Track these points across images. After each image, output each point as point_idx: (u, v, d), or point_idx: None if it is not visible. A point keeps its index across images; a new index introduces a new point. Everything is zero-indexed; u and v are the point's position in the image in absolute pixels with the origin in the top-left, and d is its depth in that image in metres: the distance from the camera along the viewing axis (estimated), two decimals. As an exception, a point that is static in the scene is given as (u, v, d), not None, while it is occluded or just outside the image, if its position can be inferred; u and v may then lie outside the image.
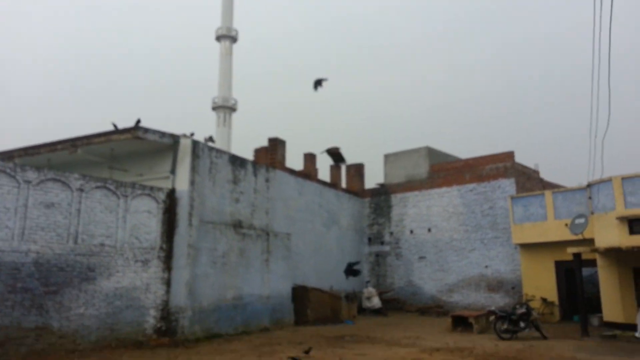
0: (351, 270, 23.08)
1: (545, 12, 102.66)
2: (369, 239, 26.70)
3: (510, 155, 23.36)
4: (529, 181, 24.00)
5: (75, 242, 12.32)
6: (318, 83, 17.10)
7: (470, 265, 23.11)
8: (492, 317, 15.18)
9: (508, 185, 22.72)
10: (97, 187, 13.14)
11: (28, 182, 11.72)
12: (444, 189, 24.71)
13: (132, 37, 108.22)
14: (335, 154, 16.47)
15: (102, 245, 12.93)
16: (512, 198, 20.94)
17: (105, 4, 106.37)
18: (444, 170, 25.12)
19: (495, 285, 22.24)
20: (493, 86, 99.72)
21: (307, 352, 11.43)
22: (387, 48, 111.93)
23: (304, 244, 21.30)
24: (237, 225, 17.04)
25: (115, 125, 15.35)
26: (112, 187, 13.50)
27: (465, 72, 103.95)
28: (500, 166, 23.25)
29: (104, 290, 12.68)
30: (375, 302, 22.83)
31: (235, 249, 16.54)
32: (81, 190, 12.73)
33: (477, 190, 23.65)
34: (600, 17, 6.84)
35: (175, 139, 15.66)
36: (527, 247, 20.43)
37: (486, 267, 22.63)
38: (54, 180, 12.25)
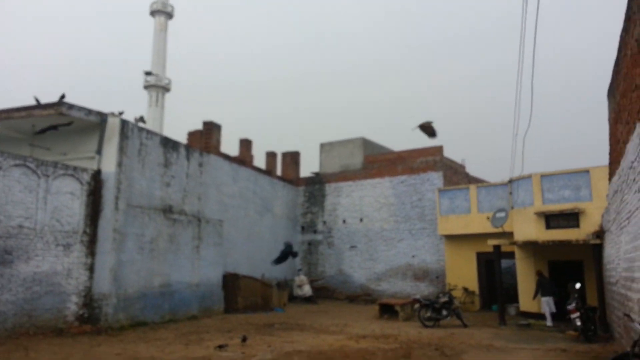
0: (290, 253, 22.78)
1: (468, 8, 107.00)
2: (302, 228, 26.85)
3: (439, 149, 24.23)
4: (456, 175, 25.05)
5: (-11, 223, 11.46)
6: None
7: (399, 254, 23.86)
8: (416, 305, 15.76)
9: (436, 178, 23.59)
10: (16, 165, 12.26)
11: None
12: (376, 180, 25.25)
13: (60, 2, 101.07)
14: (428, 128, 15.95)
15: (21, 227, 12.12)
16: (440, 191, 21.78)
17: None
18: (378, 161, 25.65)
19: (421, 275, 23.13)
20: (426, 82, 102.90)
21: (244, 340, 11.33)
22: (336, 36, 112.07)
23: (237, 231, 21.07)
24: (167, 211, 16.55)
25: (37, 100, 14.38)
26: (32, 166, 12.65)
27: (394, 67, 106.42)
28: (430, 159, 24.07)
29: (21, 274, 11.91)
30: (307, 290, 23.07)
31: (165, 234, 16.07)
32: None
33: (407, 182, 24.37)
34: (525, 16, 7.19)
35: (102, 118, 14.90)
36: (451, 238, 21.37)
37: (413, 256, 23.46)
38: (-35, 156, 11.30)
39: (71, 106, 14.02)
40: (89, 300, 13.40)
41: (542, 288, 15.43)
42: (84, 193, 13.91)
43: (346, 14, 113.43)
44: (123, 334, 12.60)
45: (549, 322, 15.09)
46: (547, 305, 15.23)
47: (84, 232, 13.69)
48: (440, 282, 22.34)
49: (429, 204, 23.45)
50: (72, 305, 13.02)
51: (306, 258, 26.30)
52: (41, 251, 12.48)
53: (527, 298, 16.97)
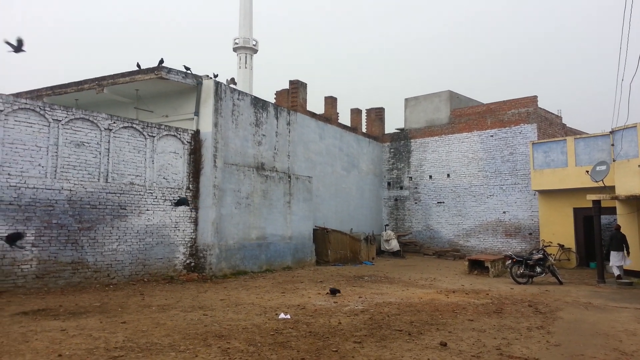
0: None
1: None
2: (388, 184, 26.91)
3: (533, 99, 22.91)
4: (551, 127, 23.65)
5: (106, 180, 12.69)
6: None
7: (488, 210, 23.29)
8: (508, 262, 15.44)
9: (530, 131, 22.44)
10: (125, 127, 13.35)
11: (57, 120, 11.93)
12: (464, 134, 24.51)
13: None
14: None
15: (132, 184, 13.31)
16: (533, 144, 20.74)
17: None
18: (465, 115, 24.80)
19: (512, 231, 22.49)
20: (517, 30, 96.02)
21: (337, 291, 11.79)
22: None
23: (325, 187, 21.60)
24: (260, 168, 17.29)
25: (139, 65, 15.35)
26: (139, 128, 13.71)
27: (488, 17, 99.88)
28: (522, 111, 22.88)
29: (135, 227, 13.18)
30: (394, 244, 23.34)
31: (259, 190, 16.87)
32: (109, 129, 12.95)
33: (498, 135, 23.42)
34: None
35: (198, 80, 15.65)
36: (546, 193, 20.45)
37: (504, 212, 22.80)
38: (83, 119, 12.46)
39: (169, 70, 14.86)
40: (195, 250, 14.59)
41: (614, 242, 14.75)
42: (186, 152, 14.89)
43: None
44: (226, 282, 13.64)
45: (616, 273, 14.83)
46: (615, 258, 14.83)
47: (188, 188, 14.76)
48: (533, 238, 21.62)
49: (522, 158, 22.46)
50: (180, 255, 14.25)
51: (393, 214, 26.45)
52: (151, 206, 13.67)
53: (630, 256, 16.02)
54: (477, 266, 17.21)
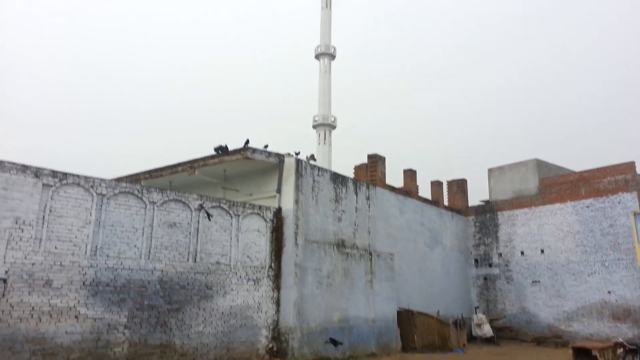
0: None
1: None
2: (476, 261, 25.49)
3: (630, 166, 21.27)
4: (655, 195, 21.66)
5: (195, 260, 13.01)
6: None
7: (591, 290, 21.21)
8: (620, 350, 13.80)
9: (630, 200, 20.68)
10: (213, 207, 13.81)
11: (153, 203, 12.58)
12: (556, 206, 23.03)
13: (229, 54, 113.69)
14: None
15: (218, 263, 13.54)
16: (635, 214, 19.03)
17: (203, 30, 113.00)
18: (556, 184, 23.41)
19: (621, 314, 20.19)
20: (605, 91, 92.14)
21: None
22: (484, 53, 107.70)
23: (407, 265, 20.82)
24: (341, 245, 17.06)
25: (226, 147, 16.10)
26: (226, 207, 14.14)
27: (571, 79, 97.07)
28: (619, 179, 21.24)
29: (220, 308, 13.23)
30: (486, 330, 21.64)
31: (340, 268, 16.54)
32: (199, 210, 13.43)
33: (594, 206, 21.77)
34: None
35: (280, 159, 16.10)
36: (658, 272, 18.36)
37: (609, 292, 20.65)
38: (176, 200, 13.06)
39: (254, 150, 15.45)
40: (277, 333, 14.31)
41: None
42: (268, 230, 15.07)
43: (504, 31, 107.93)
44: (308, 367, 13.09)
45: None
46: None
47: (270, 267, 14.78)
48: (647, 323, 19.22)
49: (623, 230, 20.58)
50: (263, 339, 14.02)
51: (483, 294, 24.78)
52: (235, 285, 13.76)
53: None
54: (584, 355, 15.36)
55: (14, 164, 10.62)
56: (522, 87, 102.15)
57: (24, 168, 10.74)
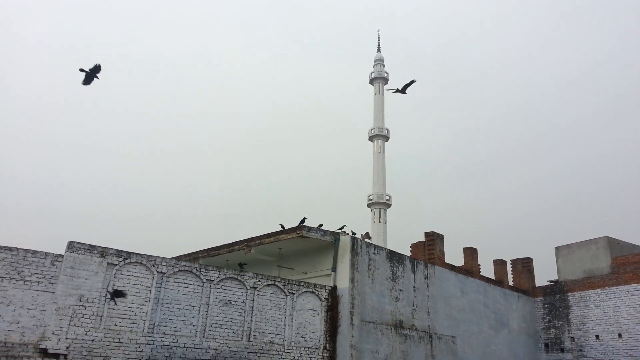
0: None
1: None
2: (546, 345, 23.62)
3: None
4: None
5: (249, 339, 12.95)
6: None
7: (681, 381, 18.96)
8: None
9: None
10: (268, 285, 13.91)
11: (210, 281, 12.86)
12: (633, 286, 21.34)
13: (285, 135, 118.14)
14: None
15: (272, 342, 13.38)
16: None
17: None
18: (631, 263, 21.84)
19: None
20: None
21: None
22: (547, 134, 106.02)
23: (471, 349, 19.58)
24: (398, 326, 16.45)
25: (282, 226, 16.45)
26: (280, 285, 14.18)
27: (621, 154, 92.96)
28: (701, 256, 19.56)
29: (273, 391, 12.90)
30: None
31: (398, 351, 15.84)
32: (254, 288, 13.56)
33: (676, 286, 19.99)
34: None
35: (335, 237, 16.15)
36: None
37: None
38: (232, 278, 13.30)
39: (310, 229, 15.65)
40: (332, 419, 13.65)
41: None
42: (323, 309, 14.86)
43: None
44: None
45: None
46: None
47: (325, 347, 14.40)
48: None
49: None
50: (317, 423, 13.39)
51: (556, 382, 22.73)
52: (289, 367, 13.43)
53: None
54: None
55: (82, 244, 11.34)
56: (586, 164, 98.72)
57: (91, 248, 11.42)
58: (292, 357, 13.59)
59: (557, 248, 25.11)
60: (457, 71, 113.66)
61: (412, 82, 14.99)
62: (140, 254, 12.02)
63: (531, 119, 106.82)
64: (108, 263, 11.48)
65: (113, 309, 11.22)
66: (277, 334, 13.59)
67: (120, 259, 11.68)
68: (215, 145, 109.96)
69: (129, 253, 11.86)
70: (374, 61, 61.52)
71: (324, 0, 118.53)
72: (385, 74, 60.40)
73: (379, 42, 63.01)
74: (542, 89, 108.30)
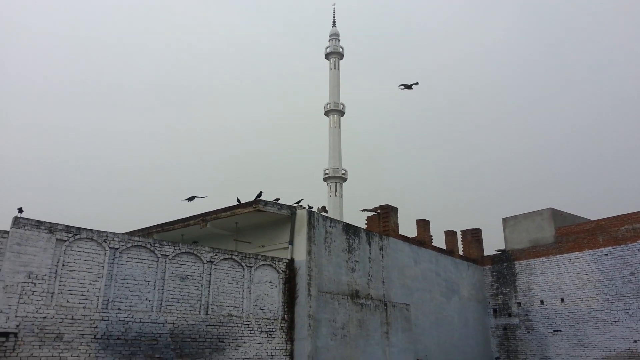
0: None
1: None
2: (494, 310, 24.81)
3: (647, 212, 20.99)
4: (675, 242, 21.22)
5: (206, 312, 12.91)
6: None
7: (615, 339, 20.40)
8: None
9: (650, 247, 20.25)
10: (225, 259, 13.84)
11: (165, 256, 12.67)
12: (574, 254, 22.61)
13: (239, 111, 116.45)
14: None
15: (230, 315, 13.40)
16: (659, 262, 18.57)
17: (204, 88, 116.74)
18: (573, 233, 23.09)
19: (650, 364, 19.30)
20: (623, 139, 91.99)
21: None
22: (498, 111, 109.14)
23: (424, 316, 20.32)
24: (355, 296, 16.81)
25: (238, 200, 16.33)
26: (237, 259, 14.15)
27: (584, 131, 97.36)
28: (637, 226, 20.90)
29: (234, 361, 12.97)
30: (507, 381, 20.82)
31: (354, 320, 16.23)
32: (211, 262, 13.47)
33: (613, 254, 21.34)
34: None
35: (292, 211, 16.20)
36: (685, 319, 17.69)
37: (635, 342, 19.83)
38: (188, 253, 13.13)
39: (266, 203, 15.61)
40: (291, 387, 13.91)
41: None
42: (281, 281, 14.97)
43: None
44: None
45: None
46: None
47: (283, 318, 14.56)
48: (678, 374, 18.32)
49: (646, 278, 20.02)
50: (282, 393, 13.62)
51: (503, 344, 23.95)
52: (248, 338, 13.53)
53: None
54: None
55: (28, 219, 10.87)
56: (534, 139, 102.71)
57: (39, 224, 10.97)
58: (251, 328, 13.68)
59: (504, 219, 26.17)
60: (412, 50, 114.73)
61: (416, 83, 16.13)
62: (91, 230, 11.66)
63: (483, 97, 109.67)
64: (57, 239, 11.08)
65: (64, 285, 10.89)
66: (235, 307, 13.61)
67: (70, 235, 11.29)
68: (170, 120, 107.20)
69: (78, 229, 11.48)
70: (329, 36, 61.17)
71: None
72: (341, 49, 60.25)
73: (334, 17, 62.60)
74: (494, 71, 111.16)
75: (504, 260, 25.02)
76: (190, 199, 18.17)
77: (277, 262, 15.09)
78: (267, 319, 14.17)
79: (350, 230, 17.82)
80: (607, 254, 21.51)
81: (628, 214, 21.56)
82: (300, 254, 15.63)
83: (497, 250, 25.91)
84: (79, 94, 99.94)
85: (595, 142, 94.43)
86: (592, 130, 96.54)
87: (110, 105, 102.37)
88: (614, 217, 21.94)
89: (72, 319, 10.76)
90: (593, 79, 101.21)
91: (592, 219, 23.76)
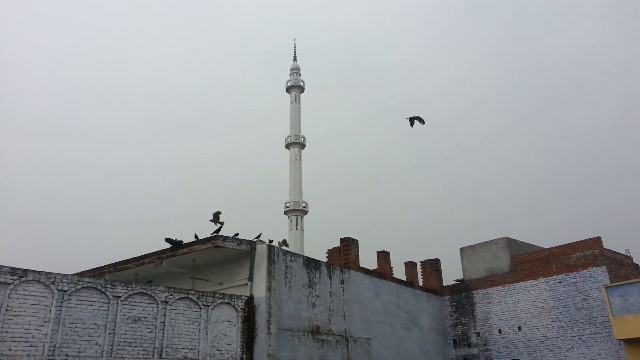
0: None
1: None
2: (454, 341, 24.96)
3: (597, 241, 21.83)
4: (622, 268, 22.10)
5: (160, 356, 12.45)
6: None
7: (571, 366, 20.83)
8: None
9: (600, 274, 20.99)
10: (181, 299, 13.48)
11: (117, 297, 12.24)
12: (529, 282, 23.17)
13: (199, 147, 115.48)
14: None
15: (186, 358, 12.96)
16: (607, 288, 19.28)
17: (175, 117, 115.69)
18: (527, 261, 23.72)
19: (604, 390, 19.74)
20: (573, 170, 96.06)
21: None
22: (453, 145, 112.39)
23: (385, 349, 20.21)
24: (315, 332, 16.61)
25: (196, 236, 16.02)
26: (194, 298, 13.80)
27: (541, 159, 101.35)
28: (588, 254, 21.69)
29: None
30: (469, 412, 20.84)
31: (315, 357, 15.99)
32: (166, 302, 13.08)
33: (566, 281, 21.99)
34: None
35: (251, 246, 16.03)
36: (633, 342, 18.30)
37: (590, 368, 20.30)
38: (141, 293, 12.74)
39: (225, 238, 15.39)
40: None
41: None
42: (239, 320, 14.65)
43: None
44: None
45: None
46: None
47: (241, 359, 14.18)
48: (631, 398, 18.78)
49: (597, 303, 20.67)
50: None
51: (464, 376, 24.05)
52: (204, 381, 13.07)
53: None
54: None
55: (-31, 262, 10.34)
56: (491, 177, 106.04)
57: (-19, 265, 10.45)
58: (207, 371, 13.27)
59: (461, 249, 26.66)
60: (369, 79, 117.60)
61: (422, 121, 16.72)
62: (38, 271, 11.17)
63: (442, 132, 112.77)
64: (1, 282, 10.55)
65: (7, 332, 10.31)
66: (191, 349, 13.18)
67: (15, 278, 10.77)
68: (127, 150, 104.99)
69: (25, 270, 10.98)
70: (290, 70, 62.13)
71: (243, 8, 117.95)
72: (302, 83, 61.15)
73: (294, 51, 63.75)
74: (450, 106, 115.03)
75: (463, 290, 25.36)
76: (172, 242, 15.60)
77: (235, 300, 14.78)
78: None
79: (311, 264, 17.74)
80: (560, 281, 22.14)
81: (579, 241, 22.37)
82: (259, 291, 15.38)
83: (456, 280, 26.27)
84: (29, 124, 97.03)
85: (548, 175, 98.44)
86: (546, 163, 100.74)
87: (63, 137, 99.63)
88: (566, 244, 22.70)
89: (15, 368, 10.16)
90: (550, 112, 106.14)
91: (546, 247, 24.54)
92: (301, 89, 60.88)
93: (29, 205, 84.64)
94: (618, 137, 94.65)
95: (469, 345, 24.35)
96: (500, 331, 23.46)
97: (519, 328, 22.86)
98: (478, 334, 24.17)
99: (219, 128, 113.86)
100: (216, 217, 16.31)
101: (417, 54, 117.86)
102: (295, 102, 59.95)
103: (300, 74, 61.74)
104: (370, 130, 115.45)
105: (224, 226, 16.26)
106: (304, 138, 58.03)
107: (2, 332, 10.27)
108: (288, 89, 61.09)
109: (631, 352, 18.39)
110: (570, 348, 21.04)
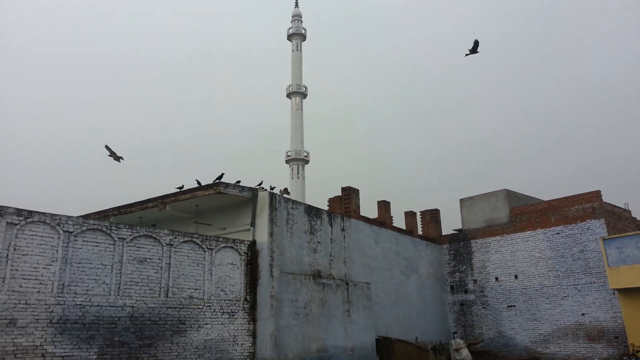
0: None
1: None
2: (451, 287, 25.61)
3: (596, 194, 21.98)
4: (620, 221, 22.38)
5: (167, 295, 12.78)
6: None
7: (565, 313, 21.46)
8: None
9: (598, 227, 21.28)
10: (185, 242, 13.69)
11: (122, 239, 12.42)
12: (528, 233, 23.50)
13: (202, 91, 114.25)
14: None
15: (191, 297, 13.31)
16: (604, 240, 19.55)
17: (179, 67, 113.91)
18: (526, 213, 23.97)
19: (595, 335, 20.41)
20: (574, 123, 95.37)
21: None
22: (458, 96, 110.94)
23: (384, 294, 20.77)
24: (317, 276, 16.99)
25: (199, 182, 16.11)
26: (198, 241, 14.02)
27: (543, 111, 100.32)
28: (587, 206, 21.89)
29: (194, 342, 12.95)
30: (465, 354, 21.52)
31: (316, 299, 16.42)
32: (170, 245, 13.29)
33: (564, 232, 22.30)
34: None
35: (253, 193, 16.13)
36: (627, 292, 18.75)
37: (583, 315, 20.92)
38: (146, 236, 12.91)
39: (227, 185, 15.47)
40: (254, 366, 14.01)
41: None
42: (243, 263, 14.95)
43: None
44: (285, 401, 12.80)
45: None
46: None
47: (245, 299, 14.59)
48: (620, 342, 19.47)
49: (594, 255, 21.07)
50: (239, 372, 13.70)
51: (460, 320, 24.82)
52: (209, 319, 13.50)
53: None
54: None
55: (-24, 202, 10.43)
56: (495, 125, 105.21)
57: (-13, 207, 10.55)
58: (213, 310, 13.65)
59: (461, 200, 26.88)
60: (375, 31, 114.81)
61: (477, 42, 16.36)
62: (44, 213, 11.29)
63: (446, 80, 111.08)
64: (7, 222, 10.67)
65: (17, 270, 10.54)
66: (196, 289, 13.53)
67: (21, 218, 10.90)
68: (133, 96, 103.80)
69: (30, 212, 11.09)
70: (292, 17, 60.39)
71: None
72: (303, 30, 59.65)
73: (296, -4, 61.79)
74: (459, 53, 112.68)
75: (461, 240, 25.76)
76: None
77: (238, 244, 15.04)
78: (229, 300, 14.16)
79: (312, 212, 17.92)
80: (558, 233, 22.45)
81: (578, 194, 22.53)
82: (262, 236, 15.62)
83: (455, 230, 26.64)
84: (33, 63, 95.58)
85: (550, 127, 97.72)
86: (548, 116, 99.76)
87: (62, 77, 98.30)
88: (565, 197, 22.87)
89: (26, 303, 10.45)
90: (551, 63, 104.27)
91: (545, 199, 24.73)
92: (303, 36, 59.43)
93: (32, 149, 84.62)
94: (621, 90, 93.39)
95: (466, 292, 25.00)
96: (497, 279, 24.02)
97: (516, 276, 23.38)
98: (475, 281, 24.75)
99: (217, 72, 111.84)
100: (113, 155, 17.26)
101: None
102: (297, 50, 58.67)
103: (302, 21, 60.15)
104: (372, 78, 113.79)
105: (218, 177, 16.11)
106: (305, 87, 57.19)
107: (12, 270, 10.48)
108: (289, 37, 59.61)
109: (624, 300, 18.88)
110: (565, 296, 21.60)
